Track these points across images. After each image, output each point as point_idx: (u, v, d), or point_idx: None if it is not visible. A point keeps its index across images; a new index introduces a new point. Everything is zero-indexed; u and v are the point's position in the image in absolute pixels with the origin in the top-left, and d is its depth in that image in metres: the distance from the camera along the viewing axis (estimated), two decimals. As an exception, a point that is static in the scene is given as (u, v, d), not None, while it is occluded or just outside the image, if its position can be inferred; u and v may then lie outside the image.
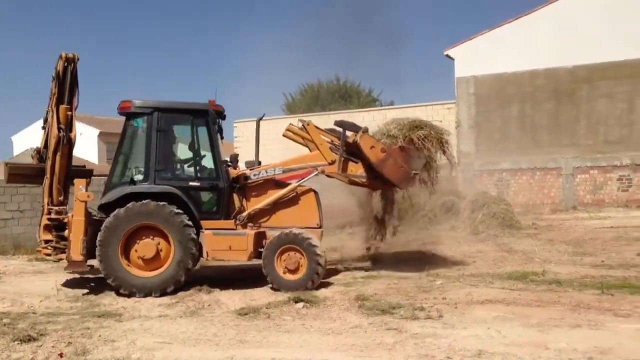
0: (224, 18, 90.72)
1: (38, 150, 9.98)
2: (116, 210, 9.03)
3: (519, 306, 7.47)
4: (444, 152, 10.39)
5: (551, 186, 22.24)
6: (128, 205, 9.00)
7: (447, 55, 24.69)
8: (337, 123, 10.12)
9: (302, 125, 10.25)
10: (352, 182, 10.30)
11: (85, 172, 10.31)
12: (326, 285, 9.35)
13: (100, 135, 41.57)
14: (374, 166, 9.73)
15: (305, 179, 9.93)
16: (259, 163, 10.39)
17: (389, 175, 9.72)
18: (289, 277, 9.13)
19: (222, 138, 10.46)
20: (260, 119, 10.96)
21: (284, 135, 10.71)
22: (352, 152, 10.03)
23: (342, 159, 9.93)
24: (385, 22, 79.10)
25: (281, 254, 9.19)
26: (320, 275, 9.13)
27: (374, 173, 9.93)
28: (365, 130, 9.82)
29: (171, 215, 9.02)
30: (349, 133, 10.00)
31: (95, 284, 9.65)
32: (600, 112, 21.77)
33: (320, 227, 9.79)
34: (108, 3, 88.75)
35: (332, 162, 9.98)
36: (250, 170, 10.03)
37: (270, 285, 9.15)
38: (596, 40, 21.19)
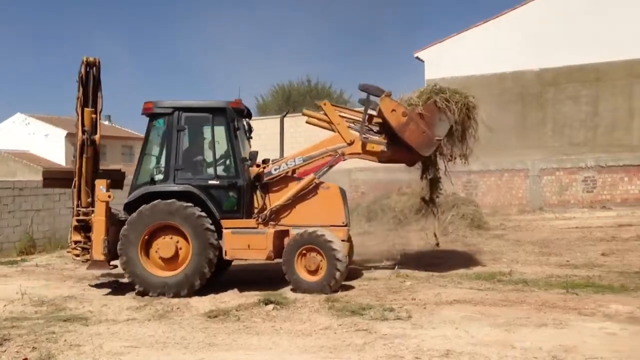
0: (189, 15, 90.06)
1: (75, 155, 10.21)
2: (139, 209, 9.06)
3: (487, 306, 7.57)
4: (470, 118, 9.67)
5: (518, 187, 22.59)
6: (149, 204, 9.03)
7: (418, 58, 24.94)
8: (361, 87, 9.66)
9: (320, 106, 10.00)
10: (383, 160, 9.90)
11: (118, 176, 10.51)
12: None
13: (68, 136, 40.89)
14: (395, 131, 9.33)
15: (323, 170, 9.64)
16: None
17: (409, 140, 9.26)
18: (309, 278, 8.93)
19: (250, 137, 10.41)
20: (284, 116, 10.65)
21: (307, 122, 10.45)
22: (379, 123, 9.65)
23: (365, 129, 9.58)
24: (358, 23, 79.54)
25: (301, 254, 8.99)
26: (340, 278, 8.84)
27: (397, 142, 9.48)
28: (389, 94, 9.40)
29: (191, 216, 8.96)
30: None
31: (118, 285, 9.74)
32: (566, 114, 22.22)
33: (346, 225, 9.48)
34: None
35: (352, 142, 9.70)
36: (272, 164, 9.75)
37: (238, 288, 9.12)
38: (562, 44, 21.61)
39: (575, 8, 21.66)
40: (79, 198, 9.59)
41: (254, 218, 9.43)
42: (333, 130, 9.95)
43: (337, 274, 8.79)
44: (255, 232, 9.28)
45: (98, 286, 10.02)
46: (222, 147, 9.56)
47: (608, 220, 17.10)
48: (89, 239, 9.42)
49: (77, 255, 9.58)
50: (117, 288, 9.78)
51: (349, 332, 6.63)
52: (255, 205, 9.50)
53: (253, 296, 8.61)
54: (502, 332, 6.39)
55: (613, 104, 21.93)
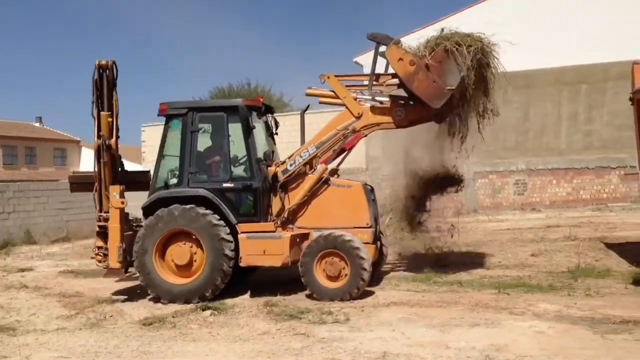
0: (121, 14, 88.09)
1: None
2: (152, 216, 8.82)
3: (423, 307, 7.71)
4: (489, 65, 8.95)
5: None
6: (162, 210, 8.78)
7: (356, 62, 25.20)
8: (369, 36, 9.05)
9: (323, 79, 9.39)
10: (403, 124, 9.25)
11: (142, 177, 10.21)
12: (235, 291, 9.26)
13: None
14: (403, 82, 8.79)
15: (331, 159, 9.21)
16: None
17: (417, 91, 8.60)
18: (330, 284, 8.49)
19: (276, 134, 10.00)
20: (305, 110, 10.01)
21: (320, 102, 9.91)
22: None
23: (373, 86, 9.03)
24: (299, 26, 79.74)
25: (321, 259, 8.54)
26: (365, 283, 8.44)
27: (412, 97, 8.92)
28: (397, 42, 8.79)
29: (206, 224, 8.66)
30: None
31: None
32: (499, 119, 22.90)
33: (370, 227, 8.94)
34: None
35: (360, 115, 9.18)
36: (287, 160, 9.27)
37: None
38: (517, 46, 22.26)
39: (506, 16, 22.39)
40: (100, 203, 9.34)
41: (272, 221, 9.03)
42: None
43: (362, 283, 8.37)
44: (270, 237, 8.79)
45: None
46: (237, 147, 9.24)
47: (537, 221, 17.73)
48: None
49: (100, 262, 9.32)
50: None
51: (287, 337, 6.62)
52: (273, 207, 9.09)
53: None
54: (437, 332, 6.52)
55: (543, 109, 22.76)
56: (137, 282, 9.52)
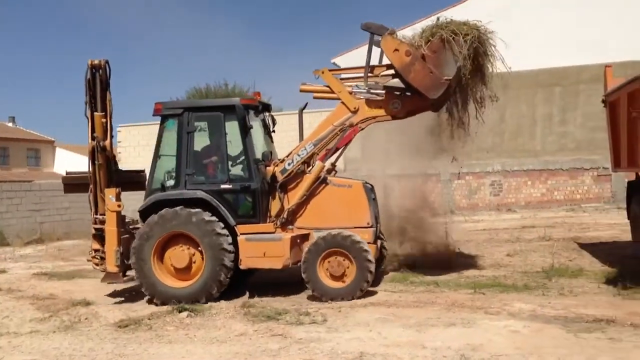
0: (106, 16, 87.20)
1: None
2: (149, 218, 8.68)
3: (400, 307, 7.74)
4: (487, 54, 8.88)
5: (431, 191, 23.30)
6: (160, 212, 8.63)
7: (334, 63, 25.24)
8: (363, 26, 8.89)
9: (318, 74, 9.26)
10: (400, 115, 9.17)
11: (139, 177, 10.03)
12: (236, 294, 9.20)
13: None
14: (399, 73, 8.71)
15: (328, 155, 9.10)
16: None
17: (414, 82, 8.51)
18: (333, 284, 8.40)
19: (273, 131, 9.82)
20: (303, 109, 9.80)
21: (315, 98, 9.69)
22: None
23: (369, 78, 8.93)
24: (277, 27, 79.63)
25: (325, 258, 8.43)
26: (369, 284, 8.39)
27: (409, 88, 8.83)
28: (391, 32, 8.66)
29: (204, 224, 8.53)
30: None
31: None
32: (476, 120, 23.13)
33: (371, 226, 8.85)
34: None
35: (356, 110, 9.06)
36: (285, 159, 9.10)
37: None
38: None
39: (482, 17, 22.57)
40: (95, 205, 9.17)
41: (271, 222, 8.91)
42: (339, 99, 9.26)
43: (366, 284, 8.33)
44: (270, 239, 8.69)
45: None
46: (234, 147, 9.11)
47: (513, 222, 17.95)
48: None
49: (97, 265, 9.19)
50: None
51: (264, 338, 6.60)
52: (272, 207, 8.96)
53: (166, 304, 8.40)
54: (414, 332, 6.55)
55: (518, 111, 23.06)
56: (116, 285, 9.45)
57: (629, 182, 10.98)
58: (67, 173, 10.80)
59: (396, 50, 8.56)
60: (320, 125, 9.26)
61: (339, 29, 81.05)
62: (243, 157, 9.07)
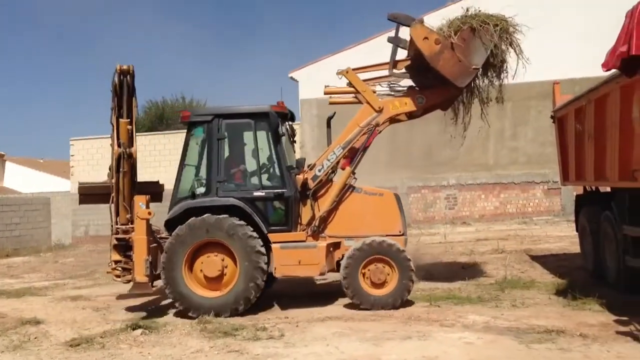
0: (58, 23, 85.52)
1: (110, 168, 9.57)
2: (182, 225, 8.45)
3: (356, 321, 7.78)
4: (512, 44, 8.88)
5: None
6: (195, 219, 8.43)
7: (292, 78, 25.37)
8: (390, 16, 8.90)
9: (342, 75, 9.31)
10: (418, 113, 9.34)
11: (156, 188, 9.77)
12: (167, 309, 9.08)
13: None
14: (427, 61, 8.65)
15: (356, 160, 9.06)
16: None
17: (443, 70, 8.57)
18: (374, 291, 8.38)
19: (294, 142, 9.70)
20: (331, 117, 9.69)
21: (331, 103, 9.75)
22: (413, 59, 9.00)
23: (394, 73, 9.02)
24: (234, 41, 79.51)
25: (366, 265, 8.42)
26: (410, 292, 8.46)
27: (429, 82, 8.96)
28: (420, 21, 8.69)
29: (241, 235, 8.37)
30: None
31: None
32: (432, 135, 23.54)
33: (403, 235, 8.91)
34: None
35: (381, 109, 9.11)
36: (315, 166, 9.01)
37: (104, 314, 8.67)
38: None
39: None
40: (117, 215, 8.93)
41: (303, 230, 8.84)
42: (360, 102, 9.31)
43: (411, 285, 8.40)
44: (305, 247, 8.62)
45: None
46: (266, 155, 9.00)
47: (468, 235, 18.28)
48: (129, 258, 8.81)
49: (118, 276, 8.92)
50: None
51: (220, 355, 6.53)
52: (303, 215, 8.90)
53: (119, 322, 8.23)
54: (371, 346, 6.59)
55: (472, 125, 23.49)
56: (66, 301, 9.22)
57: (577, 196, 11.33)
58: (80, 184, 10.49)
59: (426, 38, 8.62)
60: (347, 127, 9.22)
61: (295, 44, 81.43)
62: (275, 165, 8.96)
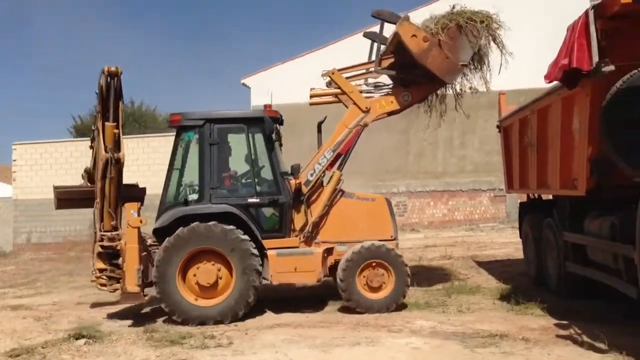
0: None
1: (88, 171, 9.54)
2: (175, 233, 8.22)
3: (306, 328, 7.78)
4: (495, 40, 9.00)
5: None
6: (191, 226, 8.23)
7: (244, 84, 25.27)
8: (374, 13, 8.89)
9: (327, 76, 9.25)
10: (403, 109, 9.41)
11: (138, 192, 9.41)
12: (113, 317, 8.87)
13: None
14: (416, 59, 8.73)
15: (341, 161, 9.11)
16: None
17: (431, 66, 8.66)
18: (371, 296, 8.42)
19: (280, 146, 9.45)
20: (322, 122, 9.67)
21: (311, 104, 9.68)
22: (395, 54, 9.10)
23: (378, 67, 9.06)
24: (186, 46, 78.63)
25: (363, 269, 8.42)
26: (405, 296, 8.56)
27: (413, 77, 9.08)
28: (406, 18, 8.75)
29: (237, 242, 8.25)
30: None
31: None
32: (382, 142, 23.84)
33: (395, 239, 8.97)
34: None
35: (368, 109, 9.16)
36: (305, 171, 8.94)
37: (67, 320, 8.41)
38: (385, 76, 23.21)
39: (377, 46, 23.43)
40: (101, 221, 8.67)
41: (296, 236, 8.75)
42: (345, 105, 9.36)
43: (406, 290, 8.49)
44: (302, 253, 8.57)
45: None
46: (260, 160, 8.94)
47: (417, 241, 18.52)
48: (116, 266, 8.59)
49: (104, 285, 8.65)
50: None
51: (167, 364, 6.43)
52: (296, 221, 8.79)
53: (62, 331, 7.99)
54: (320, 352, 6.60)
55: (422, 134, 23.93)
56: (6, 311, 8.89)
57: (521, 203, 11.66)
58: (55, 187, 10.03)
59: (414, 35, 8.69)
60: (336, 130, 9.22)
61: (247, 50, 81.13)
62: (270, 170, 8.86)
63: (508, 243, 16.09)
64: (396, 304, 8.48)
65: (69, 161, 23.97)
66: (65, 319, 9.06)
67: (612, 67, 6.42)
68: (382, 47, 9.43)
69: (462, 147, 23.84)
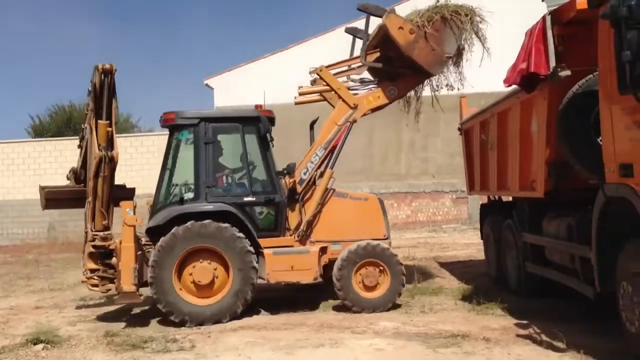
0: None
1: (74, 171, 9.51)
2: (171, 232, 8.13)
3: (270, 330, 7.76)
4: (477, 34, 9.14)
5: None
6: (187, 224, 8.14)
7: (207, 85, 25.10)
8: (360, 6, 8.91)
9: (315, 73, 9.31)
10: (380, 106, 9.46)
11: (127, 192, 9.23)
12: (73, 322, 8.70)
13: None
14: (402, 51, 8.79)
15: (332, 159, 9.15)
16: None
17: (418, 58, 8.74)
18: (366, 294, 8.47)
19: (272, 145, 9.30)
20: (314, 123, 9.70)
21: (296, 103, 9.82)
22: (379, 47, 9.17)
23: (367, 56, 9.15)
24: (148, 45, 77.58)
25: (359, 268, 8.45)
26: (400, 295, 8.64)
27: (403, 65, 9.10)
28: (392, 11, 8.82)
29: (233, 240, 8.21)
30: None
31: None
32: (346, 144, 23.91)
33: (387, 238, 9.00)
34: None
35: (356, 106, 9.20)
36: (297, 170, 8.93)
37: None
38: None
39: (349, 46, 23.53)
40: (92, 221, 8.57)
41: (291, 235, 8.79)
42: (330, 104, 9.50)
43: (401, 291, 8.60)
44: (299, 252, 8.61)
45: None
46: (255, 159, 8.92)
47: (380, 243, 18.62)
48: (108, 266, 8.52)
49: (96, 286, 8.56)
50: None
51: (128, 368, 6.33)
52: (290, 220, 8.84)
53: (18, 336, 7.80)
54: (283, 355, 6.59)
55: (385, 136, 24.14)
56: None
57: (481, 205, 11.85)
58: (41, 187, 9.79)
59: (401, 27, 8.74)
60: (326, 127, 9.26)
61: (209, 51, 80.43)
62: (265, 170, 8.88)
63: (470, 244, 16.34)
64: (392, 303, 8.58)
65: (27, 162, 23.45)
66: (23, 323, 8.84)
67: (568, 72, 6.61)
68: (361, 42, 9.51)
69: (425, 150, 24.13)
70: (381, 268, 8.58)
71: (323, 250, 8.92)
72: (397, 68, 9.41)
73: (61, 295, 11.25)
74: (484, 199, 11.80)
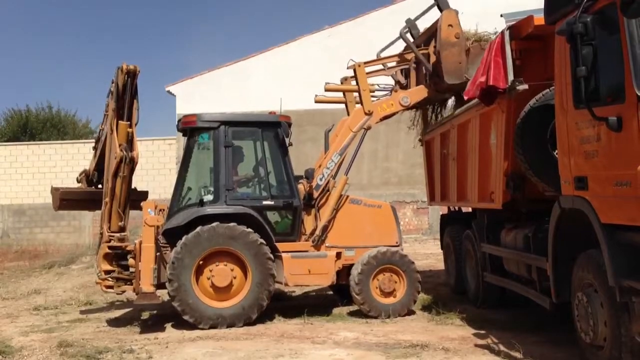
0: None
1: (87, 174, 9.56)
2: (190, 234, 8.16)
3: (229, 340, 7.67)
4: None
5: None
6: (213, 225, 8.20)
7: (169, 92, 24.81)
8: None
9: (352, 68, 9.30)
10: (389, 115, 9.53)
11: (140, 195, 9.54)
12: (26, 332, 8.44)
13: None
14: (437, 44, 8.89)
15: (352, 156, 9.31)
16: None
17: (444, 59, 8.81)
18: (384, 300, 8.61)
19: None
20: (330, 130, 9.55)
21: (317, 102, 10.11)
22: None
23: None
24: (104, 52, 76.30)
25: (377, 274, 8.59)
26: (416, 301, 8.83)
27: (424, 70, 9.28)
28: (455, 10, 8.96)
29: (256, 245, 8.28)
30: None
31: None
32: (307, 154, 23.94)
33: (399, 245, 9.12)
34: None
35: (370, 113, 9.26)
36: (315, 175, 9.02)
37: None
38: (304, 88, 23.35)
39: (312, 55, 23.62)
40: (108, 222, 8.59)
41: (306, 240, 8.91)
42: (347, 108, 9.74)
43: (417, 297, 8.79)
44: (316, 256, 8.77)
45: None
46: (274, 164, 9.06)
47: (342, 252, 18.65)
48: (123, 267, 8.56)
49: (110, 287, 8.56)
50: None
51: (81, 381, 6.16)
52: (306, 225, 8.97)
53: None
54: (242, 366, 6.53)
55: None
56: None
57: (442, 216, 11.99)
58: (55, 188, 9.61)
59: (451, 25, 8.87)
60: (341, 133, 9.36)
61: (170, 58, 79.60)
62: (284, 174, 9.01)
63: (430, 254, 16.49)
64: (408, 309, 8.73)
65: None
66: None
67: (525, 86, 6.76)
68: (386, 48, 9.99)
69: (386, 160, 24.31)
70: (398, 274, 8.74)
71: (338, 256, 9.01)
72: (418, 72, 9.63)
73: (14, 304, 10.91)
74: (445, 210, 11.94)
